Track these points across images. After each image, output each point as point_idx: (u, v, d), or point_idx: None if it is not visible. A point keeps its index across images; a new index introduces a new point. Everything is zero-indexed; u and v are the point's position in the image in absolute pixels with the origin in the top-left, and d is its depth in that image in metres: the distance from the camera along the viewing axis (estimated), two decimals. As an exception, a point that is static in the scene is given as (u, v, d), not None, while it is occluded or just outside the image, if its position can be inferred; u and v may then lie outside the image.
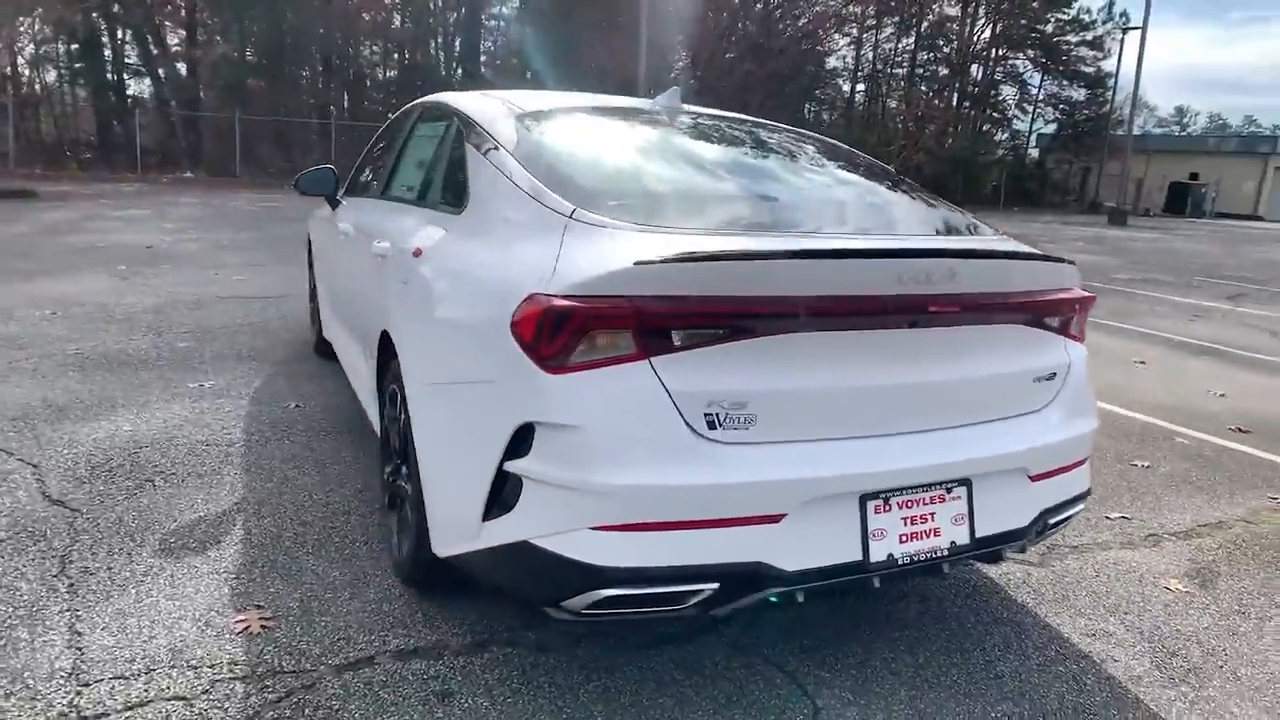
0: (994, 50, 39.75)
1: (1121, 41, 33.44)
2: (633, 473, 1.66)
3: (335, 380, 4.48)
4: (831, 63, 40.93)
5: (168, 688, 1.97)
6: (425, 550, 2.21)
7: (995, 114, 41.15)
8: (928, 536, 1.89)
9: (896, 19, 39.21)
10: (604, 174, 2.21)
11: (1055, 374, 2.13)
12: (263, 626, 2.24)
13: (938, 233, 2.26)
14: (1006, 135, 41.37)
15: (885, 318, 1.84)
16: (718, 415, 1.72)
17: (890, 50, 43.22)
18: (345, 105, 30.81)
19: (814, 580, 1.80)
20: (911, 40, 41.52)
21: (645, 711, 1.99)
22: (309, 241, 5.05)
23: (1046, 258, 2.05)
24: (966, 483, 1.93)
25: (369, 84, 31.96)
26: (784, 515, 1.74)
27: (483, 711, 1.96)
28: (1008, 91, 40.49)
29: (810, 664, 2.21)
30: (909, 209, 2.40)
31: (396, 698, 1.99)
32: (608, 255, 1.73)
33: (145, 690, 1.96)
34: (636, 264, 1.65)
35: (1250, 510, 3.47)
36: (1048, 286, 2.09)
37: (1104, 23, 37.08)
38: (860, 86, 44.20)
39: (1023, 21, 38.34)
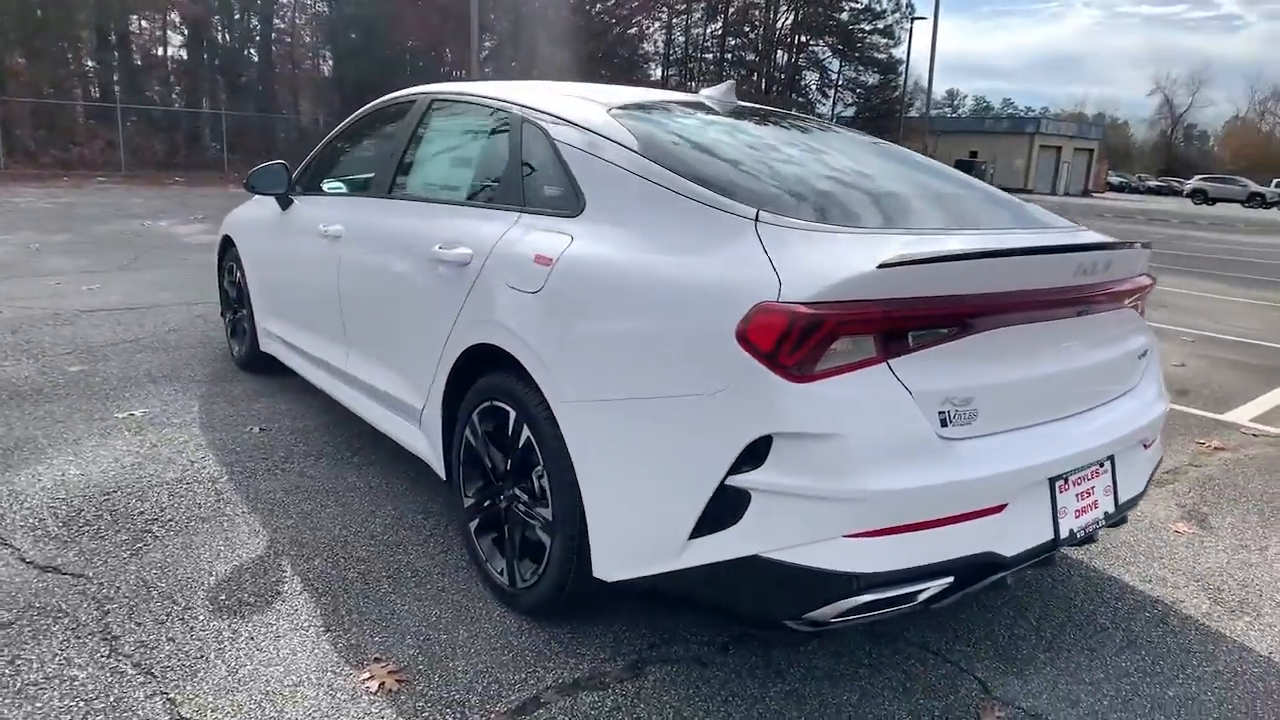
0: (796, 37, 42.04)
1: (910, 30, 36.47)
2: (887, 477, 1.65)
3: (287, 398, 4.06)
4: (644, 46, 41.67)
5: (341, 766, 1.74)
6: (573, 576, 2.08)
7: (800, 99, 43.55)
8: (1091, 509, 2.02)
9: (704, 4, 40.46)
10: (757, 174, 2.14)
11: (1146, 351, 2.33)
12: (398, 681, 2.02)
13: (1047, 225, 2.38)
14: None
15: (1064, 308, 1.94)
16: (949, 413, 1.74)
17: (700, 35, 44.58)
18: (121, 86, 27.46)
19: (1024, 562, 1.87)
20: (719, 25, 43.07)
21: (836, 709, 2.00)
22: (227, 247, 4.52)
23: (1146, 245, 2.24)
24: (1111, 456, 2.07)
25: (149, 64, 28.67)
26: (1006, 504, 1.80)
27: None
28: (811, 77, 43.01)
29: (949, 642, 2.30)
30: (1009, 202, 2.52)
31: (593, 736, 1.87)
32: (840, 259, 1.70)
33: (317, 773, 1.72)
34: (880, 267, 1.63)
35: (1191, 455, 3.97)
36: (1141, 271, 2.27)
37: (893, 12, 40.22)
38: (672, 71, 45.32)
39: (820, 9, 40.78)
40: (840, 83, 43.00)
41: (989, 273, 1.77)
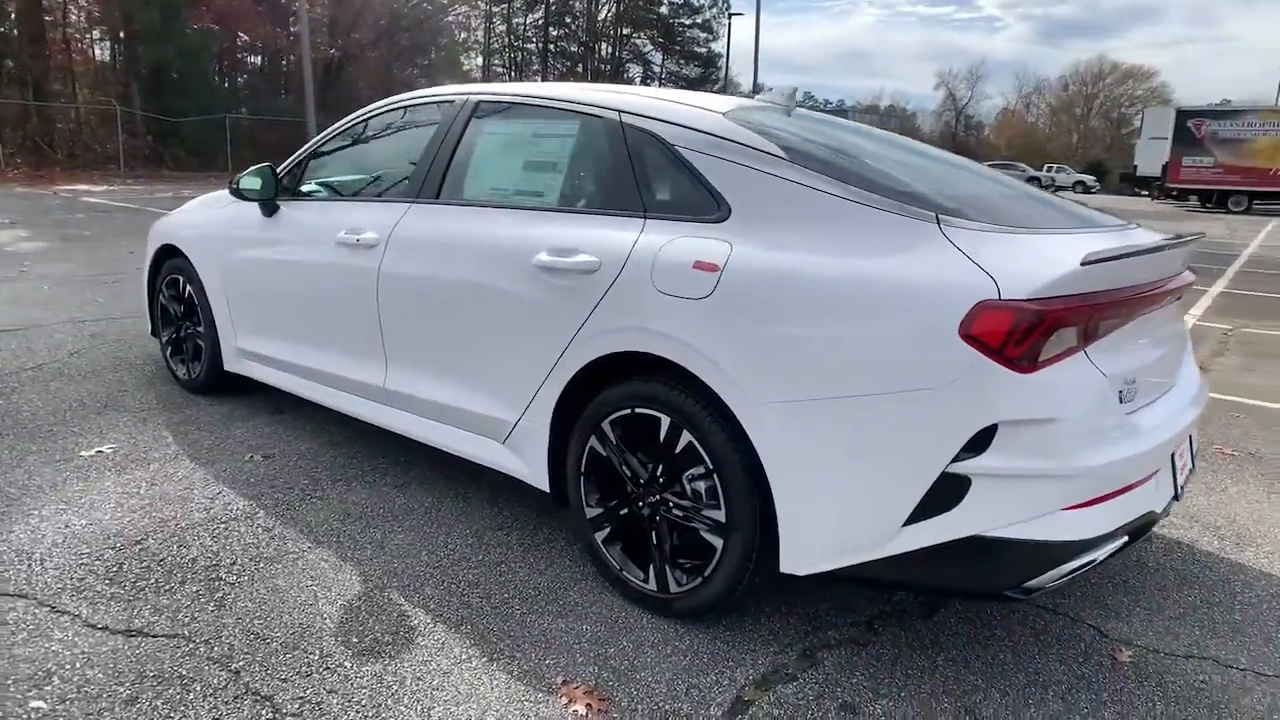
0: (619, 29, 42.62)
1: (729, 26, 37.98)
2: (1096, 453, 1.84)
3: (266, 421, 3.76)
4: (462, 35, 40.73)
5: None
6: (749, 574, 2.14)
7: (624, 89, 44.22)
8: (1185, 468, 2.32)
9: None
10: (908, 178, 2.25)
11: (1186, 335, 2.68)
12: (600, 700, 1.99)
13: (1110, 223, 2.65)
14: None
15: (1167, 296, 2.21)
16: (1123, 392, 1.96)
17: (521, 25, 44.16)
18: None
19: (1162, 518, 2.13)
20: (541, 15, 42.87)
21: (1000, 668, 2.18)
22: (167, 257, 4.08)
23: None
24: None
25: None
26: (1159, 470, 2.04)
27: (892, 710, 2.00)
28: (635, 70, 43.76)
29: (1052, 599, 2.55)
30: (1064, 203, 2.77)
31: (816, 725, 1.94)
32: (1043, 258, 1.86)
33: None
34: (1083, 264, 1.81)
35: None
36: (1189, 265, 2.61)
37: (710, 7, 41.68)
38: (496, 61, 44.63)
39: (641, 2, 41.56)
40: (663, 76, 44.07)
41: (1146, 266, 2.00)
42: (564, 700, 1.99)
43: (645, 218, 2.35)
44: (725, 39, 38.78)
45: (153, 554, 2.57)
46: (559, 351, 2.44)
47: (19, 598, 2.30)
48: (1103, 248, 1.89)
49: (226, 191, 4.05)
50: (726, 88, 42.04)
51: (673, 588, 2.29)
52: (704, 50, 42.93)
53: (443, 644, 2.19)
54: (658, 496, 2.30)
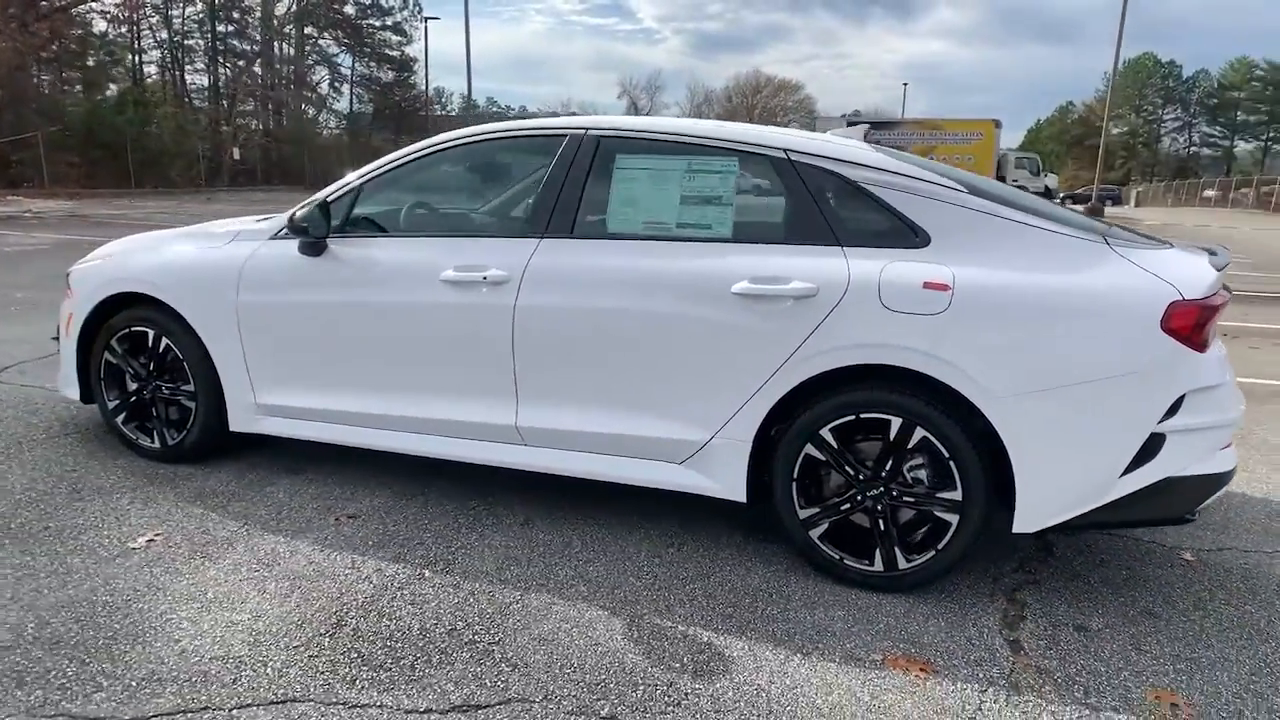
0: (300, 28, 39.80)
1: (425, 30, 37.24)
2: (1236, 406, 2.57)
3: (300, 479, 3.43)
4: (103, 27, 35.49)
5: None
6: (977, 542, 2.60)
7: (310, 93, 41.49)
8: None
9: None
10: (1047, 203, 2.80)
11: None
12: (921, 664, 2.32)
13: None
14: (328, 115, 42.18)
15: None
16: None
17: (180, 19, 39.54)
18: None
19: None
20: (202, 8, 38.67)
21: (1126, 577, 2.86)
22: (119, 308, 3.50)
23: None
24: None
25: None
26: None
27: (1105, 625, 2.57)
28: (323, 72, 41.17)
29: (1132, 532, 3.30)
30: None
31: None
32: (1194, 267, 2.52)
33: None
34: (1217, 272, 2.51)
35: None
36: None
37: (401, 9, 40.47)
38: (150, 58, 39.53)
39: (323, 1, 39.22)
40: (355, 79, 42.01)
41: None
42: (899, 670, 2.29)
43: (841, 246, 2.68)
44: (423, 42, 38.00)
45: (376, 633, 2.37)
46: (770, 371, 2.68)
47: (293, 702, 2.05)
48: (1197, 260, 2.62)
49: (214, 227, 3.59)
50: (428, 92, 41.23)
51: (901, 565, 2.66)
52: (397, 54, 41.61)
53: (747, 650, 2.36)
54: (882, 489, 2.65)
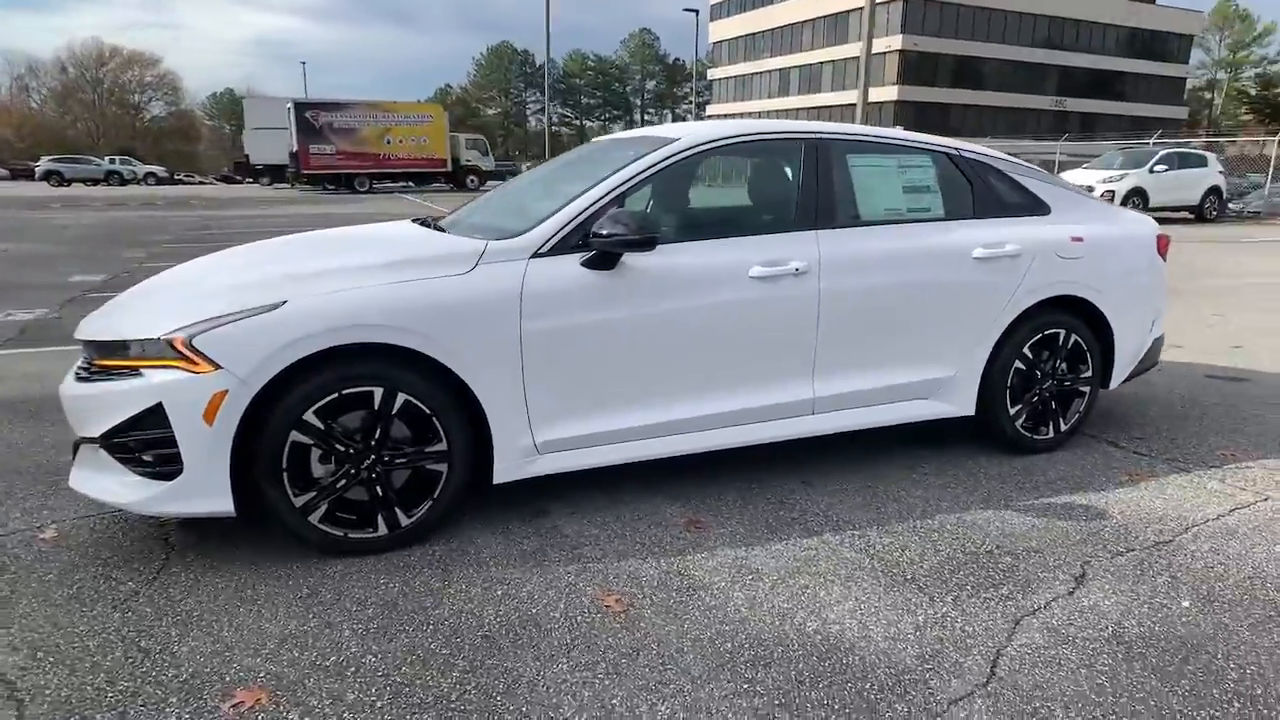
0: None
1: None
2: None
3: (550, 519, 3.23)
4: None
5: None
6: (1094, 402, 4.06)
7: None
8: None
9: None
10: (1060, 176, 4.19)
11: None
12: None
13: None
14: None
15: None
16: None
17: None
18: None
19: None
20: None
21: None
22: (353, 367, 2.71)
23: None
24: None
25: None
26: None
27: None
28: None
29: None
30: None
31: (1153, 446, 4.06)
32: (1147, 217, 4.25)
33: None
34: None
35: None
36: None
37: None
38: None
39: None
40: None
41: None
42: None
43: (1013, 217, 3.77)
44: None
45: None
46: (997, 314, 3.66)
47: (1019, 626, 2.45)
48: (1141, 213, 4.42)
49: (459, 255, 2.98)
50: None
51: (1039, 434, 3.92)
52: None
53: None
54: (1053, 381, 3.87)
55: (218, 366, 2.60)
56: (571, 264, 3.00)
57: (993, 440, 3.88)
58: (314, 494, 2.77)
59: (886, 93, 56.19)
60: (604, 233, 2.94)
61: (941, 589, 2.65)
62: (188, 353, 2.62)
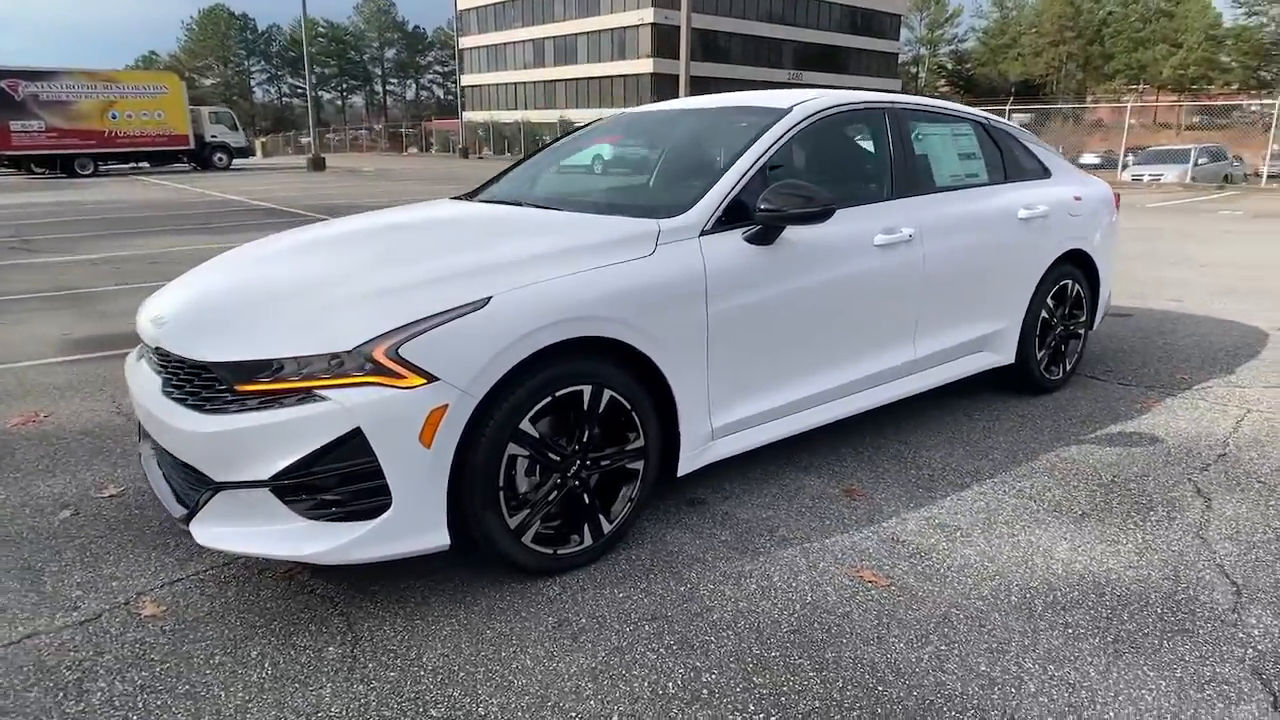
0: None
1: None
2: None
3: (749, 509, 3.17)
4: None
5: (1209, 403, 4.20)
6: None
7: None
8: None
9: None
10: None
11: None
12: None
13: None
14: None
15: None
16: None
17: None
18: None
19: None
20: None
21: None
22: (562, 365, 2.44)
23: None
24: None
25: None
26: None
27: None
28: None
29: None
30: None
31: None
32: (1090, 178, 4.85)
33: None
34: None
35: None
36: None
37: None
38: None
39: None
40: None
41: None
42: (1151, 408, 4.15)
43: (1031, 180, 4.15)
44: None
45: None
46: (1036, 268, 4.03)
47: (1205, 540, 2.78)
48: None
49: (636, 237, 2.75)
50: None
51: (1053, 376, 4.44)
52: None
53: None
54: (1064, 325, 4.34)
55: (432, 378, 2.24)
56: (735, 240, 2.91)
57: (1021, 384, 4.27)
58: (527, 511, 2.49)
59: (643, 65, 57.93)
60: (774, 207, 2.86)
61: (1119, 519, 2.94)
62: (393, 365, 2.22)
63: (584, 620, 2.36)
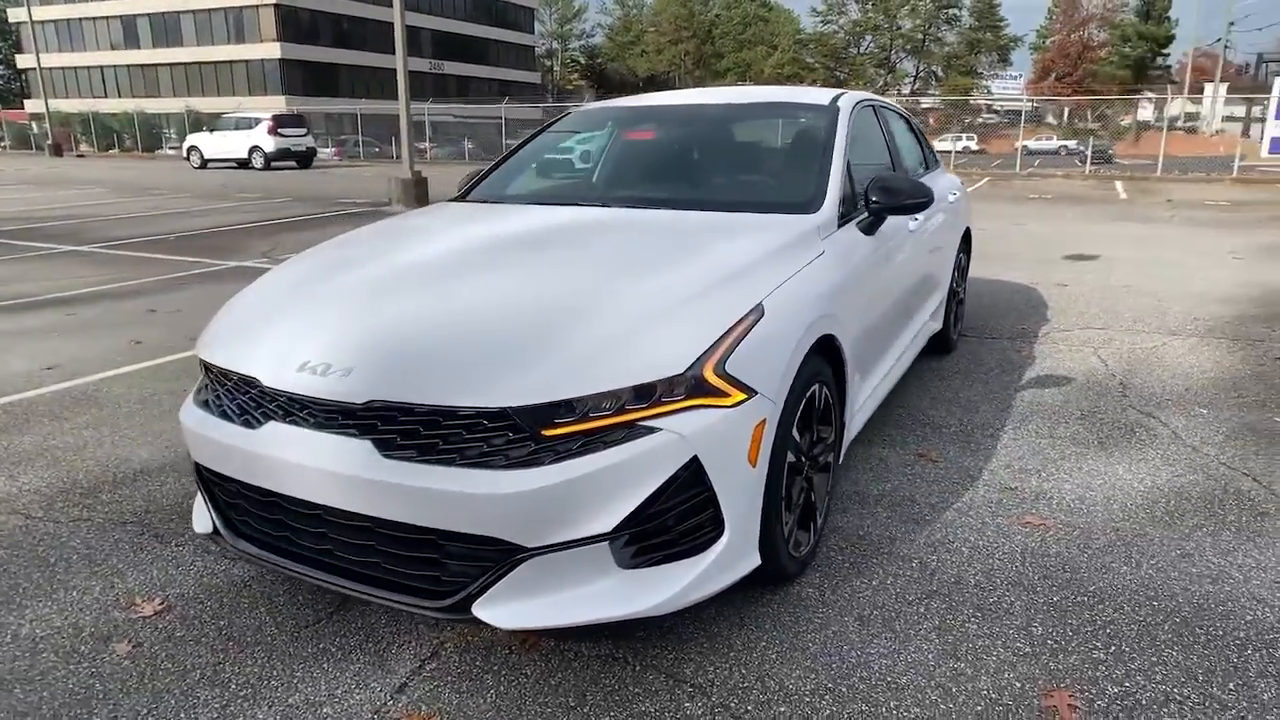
0: None
1: None
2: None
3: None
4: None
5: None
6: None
7: None
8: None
9: None
10: None
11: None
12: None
13: None
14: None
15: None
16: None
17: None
18: None
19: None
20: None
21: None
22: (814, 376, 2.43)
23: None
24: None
25: None
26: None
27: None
28: None
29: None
30: None
31: None
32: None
33: None
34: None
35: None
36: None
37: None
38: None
39: None
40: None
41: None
42: (1029, 354, 5.10)
43: (933, 170, 4.83)
44: None
45: (1096, 436, 3.73)
46: (955, 242, 4.73)
47: None
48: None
49: (801, 235, 2.79)
50: None
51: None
52: None
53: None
54: (957, 293, 5.12)
55: (752, 392, 2.13)
56: (854, 232, 3.09)
57: (942, 347, 4.95)
58: (790, 518, 2.45)
59: (268, 50, 52.88)
60: (884, 200, 3.08)
61: (1124, 445, 3.65)
62: (720, 383, 2.08)
63: (875, 613, 2.41)
